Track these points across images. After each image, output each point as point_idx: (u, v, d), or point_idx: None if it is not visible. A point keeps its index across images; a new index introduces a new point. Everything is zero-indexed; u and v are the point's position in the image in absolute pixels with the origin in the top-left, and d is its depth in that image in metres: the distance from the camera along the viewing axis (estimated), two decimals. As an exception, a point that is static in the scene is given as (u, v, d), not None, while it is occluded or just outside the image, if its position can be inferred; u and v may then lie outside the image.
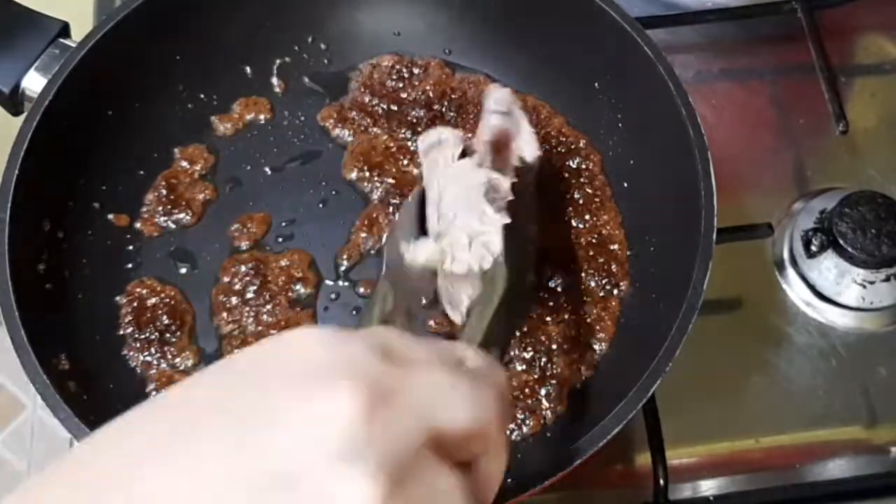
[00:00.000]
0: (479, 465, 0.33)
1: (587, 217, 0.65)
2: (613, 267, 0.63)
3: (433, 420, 0.30)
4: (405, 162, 0.68)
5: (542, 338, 0.61)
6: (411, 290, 0.50)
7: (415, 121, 0.69)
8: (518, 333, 0.60)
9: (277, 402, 0.29)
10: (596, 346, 0.61)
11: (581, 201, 0.66)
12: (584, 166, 0.67)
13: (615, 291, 0.63)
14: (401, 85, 0.71)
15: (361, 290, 0.64)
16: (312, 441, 0.28)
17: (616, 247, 0.64)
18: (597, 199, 0.66)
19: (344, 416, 0.28)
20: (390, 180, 0.67)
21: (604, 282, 0.63)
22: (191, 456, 0.28)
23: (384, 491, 0.27)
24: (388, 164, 0.68)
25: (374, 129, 0.69)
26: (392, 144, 0.69)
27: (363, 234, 0.65)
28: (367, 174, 0.67)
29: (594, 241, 0.64)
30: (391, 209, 0.66)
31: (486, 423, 0.32)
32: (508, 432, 0.36)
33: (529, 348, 0.60)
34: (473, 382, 0.32)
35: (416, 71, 0.71)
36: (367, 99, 0.70)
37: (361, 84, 0.71)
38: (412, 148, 0.68)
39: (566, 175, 0.67)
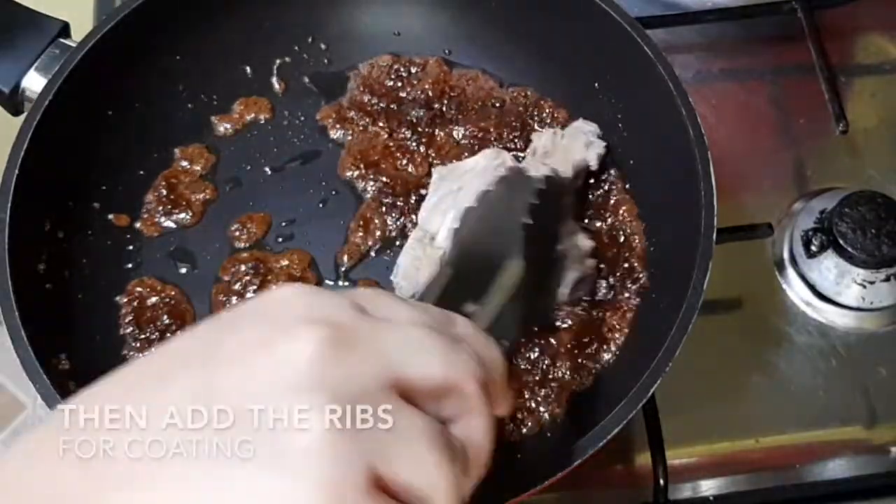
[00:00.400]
0: (456, 425, 0.33)
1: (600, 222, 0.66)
2: (633, 264, 0.63)
3: (398, 366, 0.31)
4: (403, 161, 0.68)
5: (553, 341, 0.60)
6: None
7: (414, 120, 0.69)
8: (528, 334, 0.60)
9: (246, 345, 0.31)
10: (606, 355, 0.61)
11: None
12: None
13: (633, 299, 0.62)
14: (399, 84, 0.71)
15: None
16: (272, 379, 0.29)
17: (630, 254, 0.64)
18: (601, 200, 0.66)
19: (304, 356, 0.29)
20: (385, 179, 0.67)
21: (620, 286, 0.62)
22: (163, 395, 0.30)
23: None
24: (385, 163, 0.68)
25: (374, 129, 0.69)
26: (391, 143, 0.69)
27: (360, 234, 0.65)
28: (363, 172, 0.67)
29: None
30: (384, 208, 0.66)
31: (460, 381, 0.32)
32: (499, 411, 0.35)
33: (535, 349, 0.60)
34: (450, 342, 0.33)
35: (414, 70, 0.71)
36: (366, 98, 0.70)
37: (360, 83, 0.71)
38: (412, 147, 0.68)
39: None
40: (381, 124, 0.69)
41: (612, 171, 0.66)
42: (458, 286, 0.43)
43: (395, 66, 0.71)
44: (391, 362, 0.31)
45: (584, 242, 0.58)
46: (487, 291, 0.44)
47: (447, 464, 0.31)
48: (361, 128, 0.69)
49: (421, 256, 0.62)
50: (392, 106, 0.70)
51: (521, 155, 0.68)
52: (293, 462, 0.28)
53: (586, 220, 0.64)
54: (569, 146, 0.62)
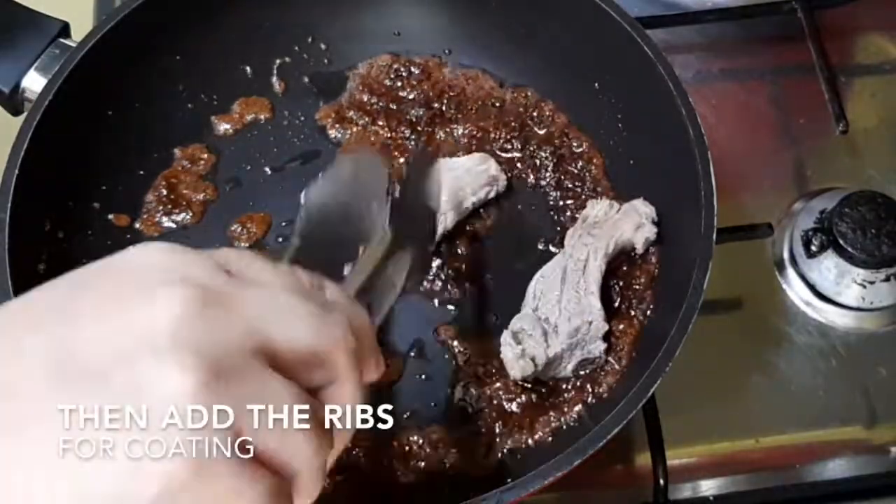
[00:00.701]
0: (325, 393, 0.33)
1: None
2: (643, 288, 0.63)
3: (263, 331, 0.30)
4: (402, 161, 0.68)
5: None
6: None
7: (414, 119, 0.69)
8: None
9: (105, 302, 0.30)
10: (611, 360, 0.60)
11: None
12: (586, 170, 0.67)
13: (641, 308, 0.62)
14: (399, 84, 0.71)
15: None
16: (129, 338, 0.28)
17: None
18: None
19: (164, 316, 0.28)
20: None
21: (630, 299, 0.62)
22: (12, 350, 0.29)
23: (197, 383, 0.28)
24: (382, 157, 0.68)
25: (373, 128, 0.69)
26: (391, 143, 0.69)
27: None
28: None
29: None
30: None
31: (326, 348, 0.32)
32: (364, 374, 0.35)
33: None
34: (318, 309, 0.32)
35: (414, 70, 0.71)
36: (365, 98, 0.71)
37: (359, 83, 0.71)
38: (411, 146, 0.68)
39: (569, 179, 0.67)
40: (380, 123, 0.69)
41: (593, 168, 0.66)
42: (311, 257, 0.44)
43: (395, 66, 0.71)
44: (257, 327, 0.30)
45: (600, 324, 0.58)
46: (353, 260, 0.45)
47: (312, 435, 0.31)
48: (361, 127, 0.69)
49: None
50: (391, 105, 0.70)
51: (518, 155, 0.68)
52: (155, 423, 0.27)
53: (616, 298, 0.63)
54: (619, 223, 0.61)
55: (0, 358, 0.29)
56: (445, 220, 0.63)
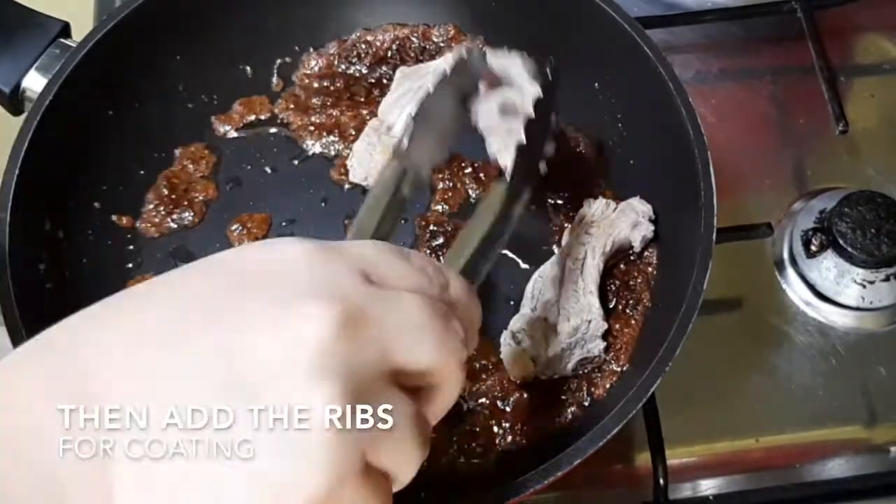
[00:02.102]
0: (432, 394, 0.34)
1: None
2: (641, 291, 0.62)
3: (396, 353, 0.32)
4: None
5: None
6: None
7: (374, 80, 0.71)
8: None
9: (258, 313, 0.30)
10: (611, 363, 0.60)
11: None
12: (585, 170, 0.67)
13: (639, 307, 0.62)
14: (355, 59, 0.72)
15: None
16: (282, 355, 0.29)
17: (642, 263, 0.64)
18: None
19: (315, 336, 0.29)
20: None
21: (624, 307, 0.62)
22: (168, 353, 0.30)
23: (344, 410, 0.29)
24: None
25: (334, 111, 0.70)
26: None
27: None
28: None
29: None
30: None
31: (446, 365, 0.34)
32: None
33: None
34: (446, 323, 0.34)
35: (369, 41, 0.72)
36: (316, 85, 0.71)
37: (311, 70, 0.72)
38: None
39: (567, 178, 0.67)
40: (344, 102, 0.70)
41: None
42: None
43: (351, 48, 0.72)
44: (392, 349, 0.31)
45: (599, 323, 0.58)
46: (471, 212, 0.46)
47: (421, 446, 0.33)
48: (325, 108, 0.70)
49: (375, 143, 0.65)
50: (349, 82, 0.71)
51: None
52: (294, 461, 0.29)
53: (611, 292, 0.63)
54: (616, 221, 0.61)
55: (154, 362, 0.30)
56: None
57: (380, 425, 0.30)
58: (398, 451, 0.32)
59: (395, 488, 0.33)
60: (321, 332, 0.29)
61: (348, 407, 0.29)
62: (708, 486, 0.64)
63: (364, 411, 0.30)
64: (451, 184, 0.67)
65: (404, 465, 0.32)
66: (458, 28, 0.72)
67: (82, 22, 0.71)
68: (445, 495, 0.53)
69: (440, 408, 0.35)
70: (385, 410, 0.30)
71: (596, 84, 0.67)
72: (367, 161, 0.65)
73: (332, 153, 0.69)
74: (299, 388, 0.29)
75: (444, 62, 0.68)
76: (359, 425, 0.29)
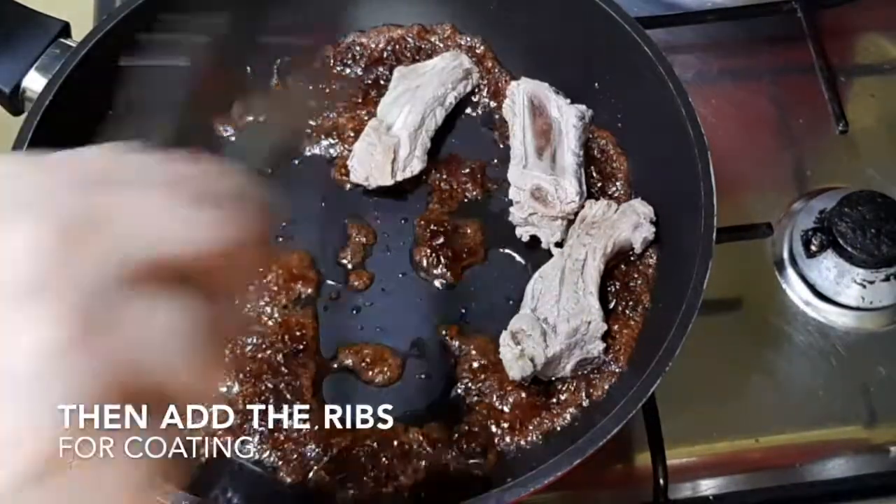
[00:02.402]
0: (213, 297, 0.30)
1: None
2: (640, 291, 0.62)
3: (140, 248, 0.28)
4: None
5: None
6: None
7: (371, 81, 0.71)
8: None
9: None
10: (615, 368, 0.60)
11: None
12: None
13: (639, 308, 0.62)
14: (350, 61, 0.72)
15: (363, 289, 0.64)
16: None
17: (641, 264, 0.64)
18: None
19: (27, 254, 0.26)
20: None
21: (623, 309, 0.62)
22: None
23: (75, 328, 0.25)
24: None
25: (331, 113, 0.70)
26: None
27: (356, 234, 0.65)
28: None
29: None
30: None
31: (225, 242, 0.30)
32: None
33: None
34: (206, 204, 0.30)
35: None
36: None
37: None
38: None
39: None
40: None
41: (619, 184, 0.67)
42: None
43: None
44: (130, 245, 0.28)
45: (599, 324, 0.58)
46: None
47: (190, 351, 0.28)
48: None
49: (376, 143, 0.65)
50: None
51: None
52: (21, 383, 0.25)
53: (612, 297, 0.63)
54: (617, 222, 0.61)
55: None
56: (435, 117, 0.68)
57: (127, 329, 0.26)
58: (162, 361, 0.27)
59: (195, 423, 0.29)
60: (33, 249, 0.26)
61: (81, 325, 0.25)
62: (708, 486, 0.64)
63: (102, 308, 0.26)
64: (448, 185, 0.67)
65: (169, 372, 0.28)
66: (454, 28, 0.72)
67: (83, 22, 0.71)
68: (445, 495, 0.53)
69: (227, 309, 0.31)
70: (128, 305, 0.27)
71: (596, 84, 0.67)
72: (367, 161, 0.65)
73: (332, 154, 0.69)
74: (16, 313, 0.25)
75: (442, 61, 0.68)
76: (97, 331, 0.26)
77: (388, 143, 0.65)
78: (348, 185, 0.67)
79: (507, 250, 0.65)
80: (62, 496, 0.26)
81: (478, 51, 0.71)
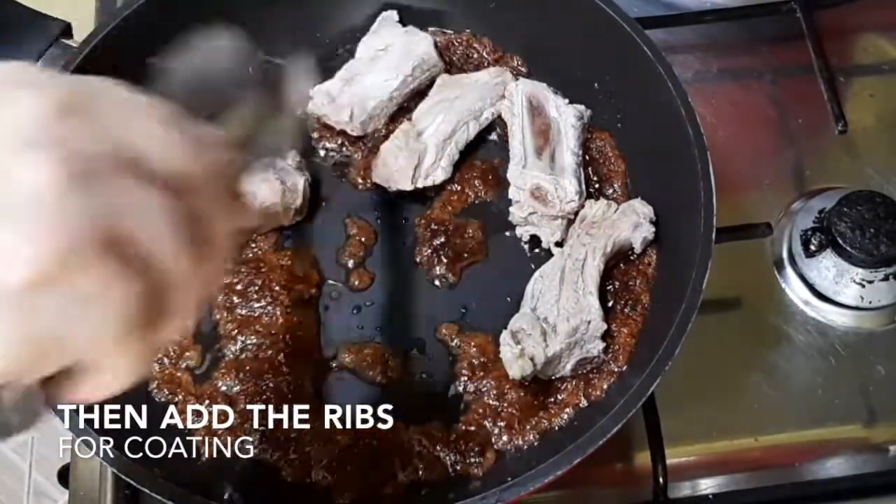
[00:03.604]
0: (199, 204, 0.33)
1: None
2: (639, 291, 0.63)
3: (126, 136, 0.31)
4: None
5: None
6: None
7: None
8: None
9: None
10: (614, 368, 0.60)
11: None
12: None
13: (638, 308, 0.62)
14: None
15: (363, 289, 0.64)
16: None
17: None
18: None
19: (32, 114, 0.29)
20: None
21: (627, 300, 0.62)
22: None
23: (63, 178, 0.28)
24: None
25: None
26: None
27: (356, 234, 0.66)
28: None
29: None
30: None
31: (194, 165, 0.33)
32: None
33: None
34: (182, 129, 0.33)
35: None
36: None
37: None
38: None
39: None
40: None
41: (616, 185, 0.67)
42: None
43: None
44: (119, 131, 0.31)
45: (598, 324, 0.58)
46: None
47: (171, 235, 0.31)
48: None
49: (402, 147, 0.65)
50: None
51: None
52: (20, 212, 0.28)
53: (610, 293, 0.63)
54: (617, 222, 0.62)
55: None
56: (468, 130, 0.67)
57: (119, 193, 0.30)
58: (155, 238, 0.30)
59: (173, 311, 0.32)
60: (37, 111, 0.29)
61: (66, 175, 0.28)
62: (707, 485, 0.64)
63: (98, 173, 0.29)
64: (458, 186, 0.67)
65: (161, 253, 0.31)
66: (443, 30, 0.72)
67: (84, 22, 0.71)
68: (445, 495, 0.53)
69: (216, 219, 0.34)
70: (124, 181, 0.30)
71: (596, 84, 0.68)
72: (391, 163, 0.65)
73: (345, 154, 0.69)
74: (16, 157, 0.28)
75: (486, 75, 0.68)
76: (93, 186, 0.29)
77: (414, 149, 0.65)
78: (361, 186, 0.67)
79: (506, 250, 0.65)
80: (50, 311, 0.29)
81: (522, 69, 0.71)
